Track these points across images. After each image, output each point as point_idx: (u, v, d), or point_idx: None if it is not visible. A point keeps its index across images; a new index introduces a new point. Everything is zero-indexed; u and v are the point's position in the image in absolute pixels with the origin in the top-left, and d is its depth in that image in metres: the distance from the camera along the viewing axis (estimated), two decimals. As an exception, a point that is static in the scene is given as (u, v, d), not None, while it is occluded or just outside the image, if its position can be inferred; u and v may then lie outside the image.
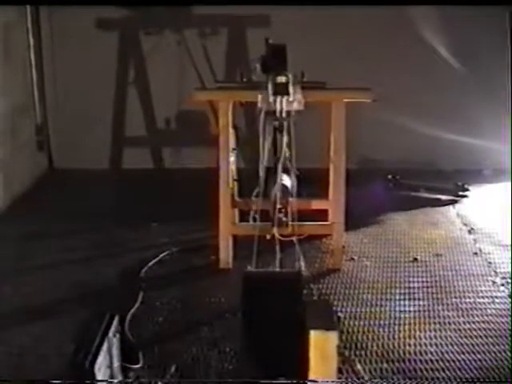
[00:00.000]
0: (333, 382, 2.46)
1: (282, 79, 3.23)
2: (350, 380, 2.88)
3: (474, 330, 3.32)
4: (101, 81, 5.61)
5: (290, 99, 3.25)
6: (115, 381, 2.71)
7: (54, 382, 2.51)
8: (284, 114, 3.25)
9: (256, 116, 3.32)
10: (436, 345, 3.18)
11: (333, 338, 2.40)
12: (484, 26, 5.37)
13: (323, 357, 2.38)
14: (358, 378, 2.89)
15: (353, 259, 4.13)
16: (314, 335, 2.36)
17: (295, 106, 3.27)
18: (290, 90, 3.24)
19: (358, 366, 2.97)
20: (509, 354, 3.08)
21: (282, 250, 3.37)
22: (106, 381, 2.59)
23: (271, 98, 3.24)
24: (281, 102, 3.24)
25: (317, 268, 4.00)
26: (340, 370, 2.85)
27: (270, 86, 3.24)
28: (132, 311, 3.42)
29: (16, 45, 5.20)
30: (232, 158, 3.91)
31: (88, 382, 2.45)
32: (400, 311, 3.50)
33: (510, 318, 3.41)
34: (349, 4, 5.05)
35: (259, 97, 3.28)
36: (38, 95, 5.58)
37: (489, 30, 5.37)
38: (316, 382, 2.40)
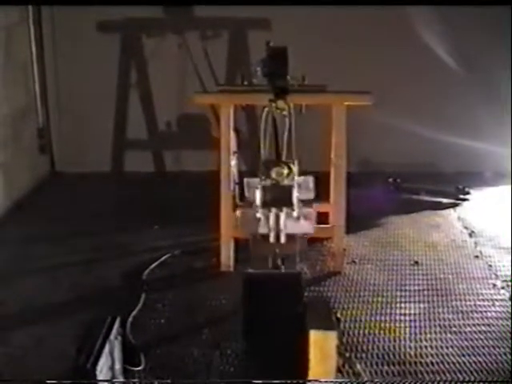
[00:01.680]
0: (332, 382, 2.47)
1: (280, 171, 1.99)
2: (350, 381, 2.89)
3: (475, 332, 3.32)
4: (102, 84, 5.62)
5: (295, 214, 2.03)
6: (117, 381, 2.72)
7: (54, 382, 2.52)
8: (283, 239, 2.01)
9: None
10: (436, 347, 3.18)
11: (332, 337, 2.41)
12: (485, 27, 5.37)
13: (323, 356, 2.39)
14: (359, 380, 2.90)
15: (354, 262, 4.13)
16: (313, 335, 2.37)
17: (305, 228, 2.08)
18: (294, 197, 2.01)
19: (358, 367, 2.98)
20: (509, 356, 3.09)
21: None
22: (108, 381, 2.59)
23: (259, 213, 1.96)
24: (277, 220, 2.02)
25: (318, 271, 4.00)
26: (340, 372, 2.86)
27: (257, 191, 1.96)
28: (134, 313, 3.43)
29: (18, 48, 5.21)
30: (233, 161, 3.92)
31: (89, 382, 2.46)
32: (401, 314, 3.51)
33: (510, 321, 3.42)
34: (349, 4, 5.06)
35: (237, 212, 2.10)
36: (40, 98, 5.59)
37: (490, 31, 5.37)
38: (316, 381, 2.41)
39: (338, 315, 3.41)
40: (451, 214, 5.00)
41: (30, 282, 3.81)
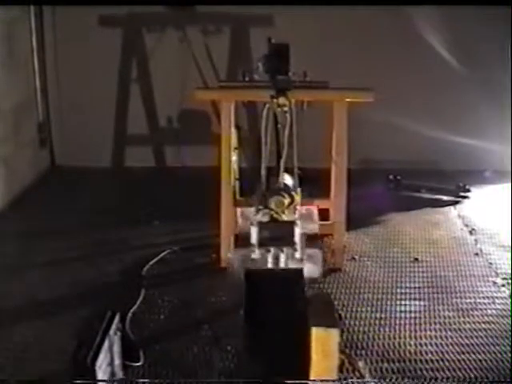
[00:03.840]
0: (333, 381, 2.46)
1: (280, 200, 1.73)
2: (351, 379, 2.89)
3: (475, 330, 3.33)
4: (103, 78, 5.61)
5: (297, 255, 1.80)
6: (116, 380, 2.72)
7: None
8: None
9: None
10: (436, 345, 3.18)
11: (334, 335, 2.40)
12: (485, 26, 5.36)
13: (325, 354, 2.38)
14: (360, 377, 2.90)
15: (354, 259, 4.13)
16: (315, 332, 2.37)
17: (310, 272, 1.81)
18: (297, 235, 1.73)
19: (360, 364, 2.98)
20: (509, 354, 3.09)
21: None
22: (108, 380, 2.59)
23: (257, 253, 1.80)
24: (276, 263, 1.82)
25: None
26: (341, 369, 2.85)
27: (253, 228, 1.71)
28: (133, 309, 3.43)
29: (19, 42, 5.20)
30: (234, 157, 3.92)
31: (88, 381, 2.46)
32: (401, 311, 3.51)
33: (510, 319, 3.42)
34: (349, 4, 5.06)
35: (229, 254, 1.90)
36: (41, 92, 5.58)
37: (490, 29, 5.36)
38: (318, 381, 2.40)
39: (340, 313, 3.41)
40: (451, 211, 4.99)
41: (29, 277, 3.81)
